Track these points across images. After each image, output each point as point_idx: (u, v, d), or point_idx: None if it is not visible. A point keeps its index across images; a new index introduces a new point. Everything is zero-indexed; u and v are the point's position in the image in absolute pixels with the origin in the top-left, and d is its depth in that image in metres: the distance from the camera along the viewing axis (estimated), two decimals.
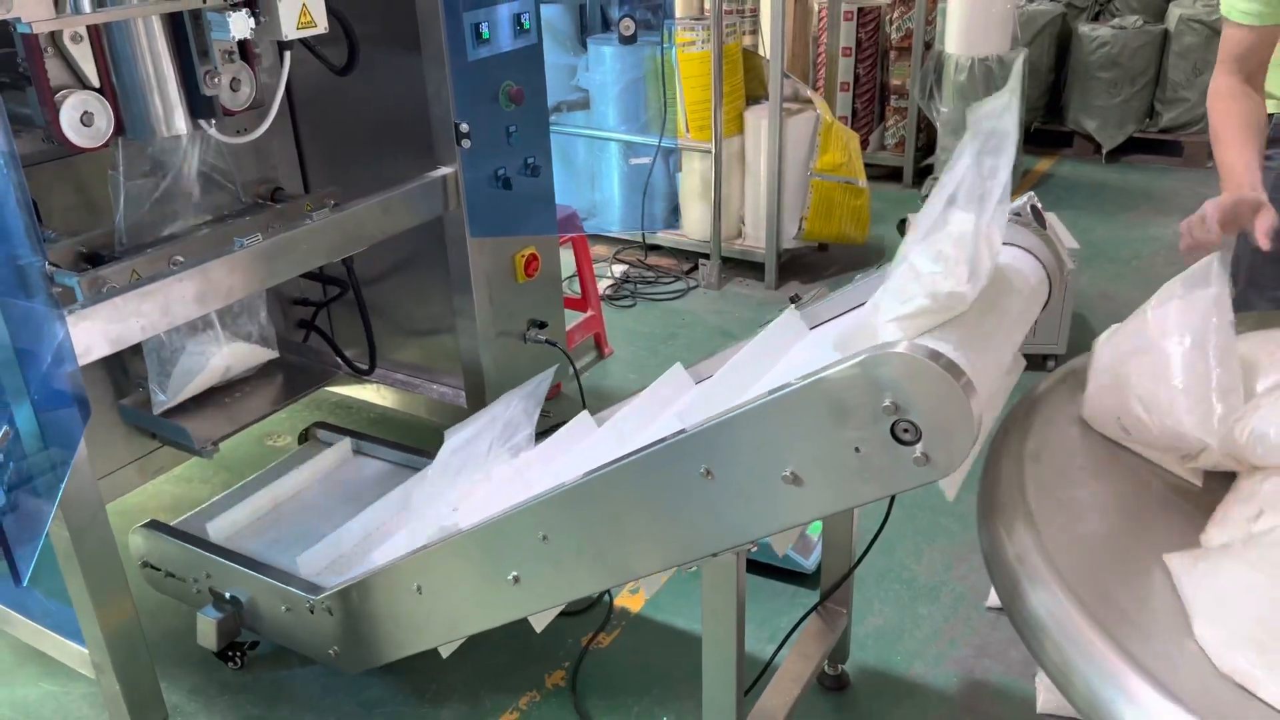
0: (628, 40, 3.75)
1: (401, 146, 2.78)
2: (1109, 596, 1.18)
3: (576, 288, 3.68)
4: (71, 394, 1.69)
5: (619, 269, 4.49)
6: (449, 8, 2.37)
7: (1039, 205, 1.69)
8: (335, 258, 2.33)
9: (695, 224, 4.45)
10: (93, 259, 2.23)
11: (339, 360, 2.96)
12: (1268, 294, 2.08)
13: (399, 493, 2.28)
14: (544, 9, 2.75)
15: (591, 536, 1.61)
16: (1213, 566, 1.17)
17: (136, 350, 2.50)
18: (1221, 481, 1.36)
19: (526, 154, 2.69)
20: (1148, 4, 5.77)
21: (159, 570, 2.37)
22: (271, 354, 2.71)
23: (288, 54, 2.16)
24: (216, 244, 2.16)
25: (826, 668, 2.20)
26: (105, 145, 2.05)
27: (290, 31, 2.07)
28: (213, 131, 2.16)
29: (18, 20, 1.70)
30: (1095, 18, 5.92)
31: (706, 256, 4.36)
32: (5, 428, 1.49)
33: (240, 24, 1.98)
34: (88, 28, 1.94)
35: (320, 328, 3.05)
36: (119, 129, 2.07)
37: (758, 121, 4.18)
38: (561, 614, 2.39)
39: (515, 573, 1.72)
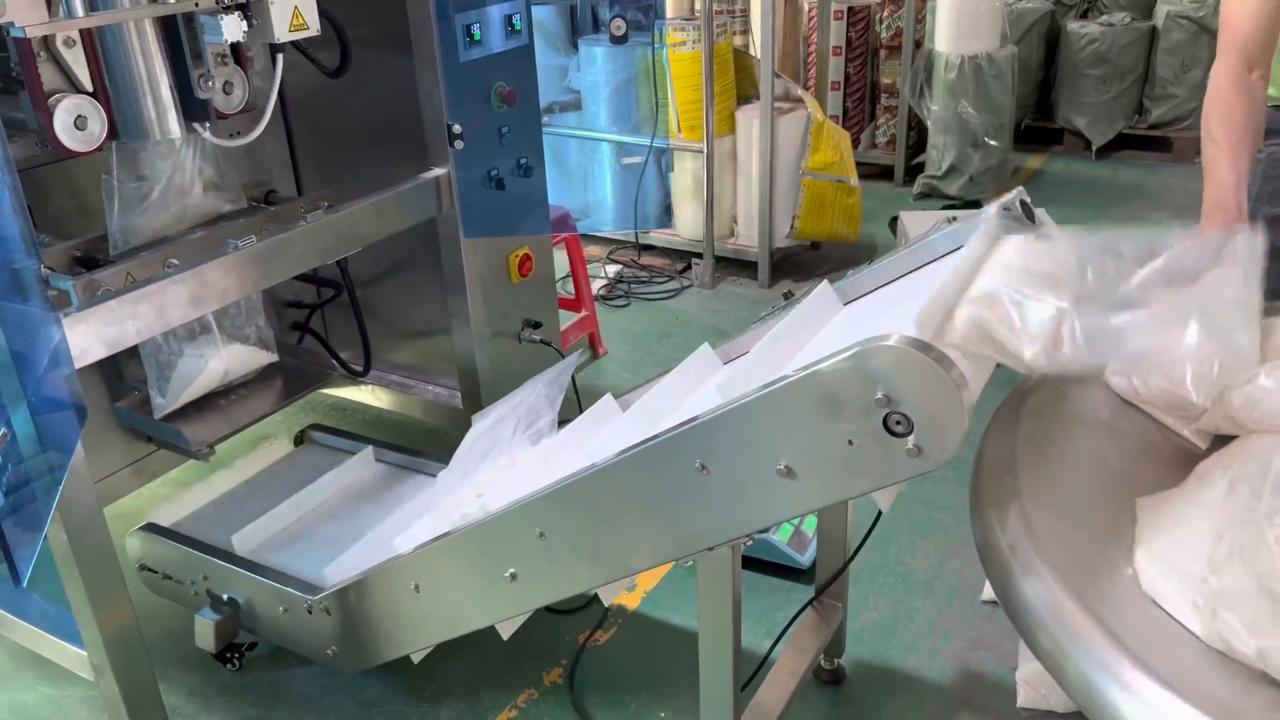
0: (619, 40, 3.77)
1: (394, 148, 2.79)
2: (1101, 584, 1.20)
3: (570, 288, 3.69)
4: (68, 397, 1.69)
5: (612, 269, 4.51)
6: (440, 9, 2.38)
7: (1028, 200, 1.71)
8: (330, 259, 2.33)
9: (688, 223, 4.46)
10: (87, 263, 2.23)
11: (335, 362, 2.97)
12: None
13: (424, 498, 2.26)
14: (535, 10, 2.76)
15: (588, 533, 1.62)
16: (1163, 503, 1.26)
17: (131, 353, 2.50)
18: None
19: (519, 155, 2.70)
20: (1135, 1, 5.80)
21: (156, 573, 2.38)
22: (271, 357, 2.71)
23: (280, 57, 2.17)
24: (211, 246, 2.16)
25: (823, 662, 2.22)
26: (99, 149, 2.06)
27: (283, 34, 2.07)
28: (207, 135, 2.17)
29: (11, 25, 1.70)
30: (1084, 15, 5.94)
31: (699, 256, 4.38)
32: (3, 430, 1.50)
33: (233, 27, 1.99)
34: (80, 31, 1.94)
35: (314, 330, 3.06)
36: (112, 133, 2.08)
37: (749, 121, 4.19)
38: (558, 612, 2.44)
39: (513, 570, 1.73)
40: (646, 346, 3.85)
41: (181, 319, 2.00)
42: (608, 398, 1.91)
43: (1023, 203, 1.69)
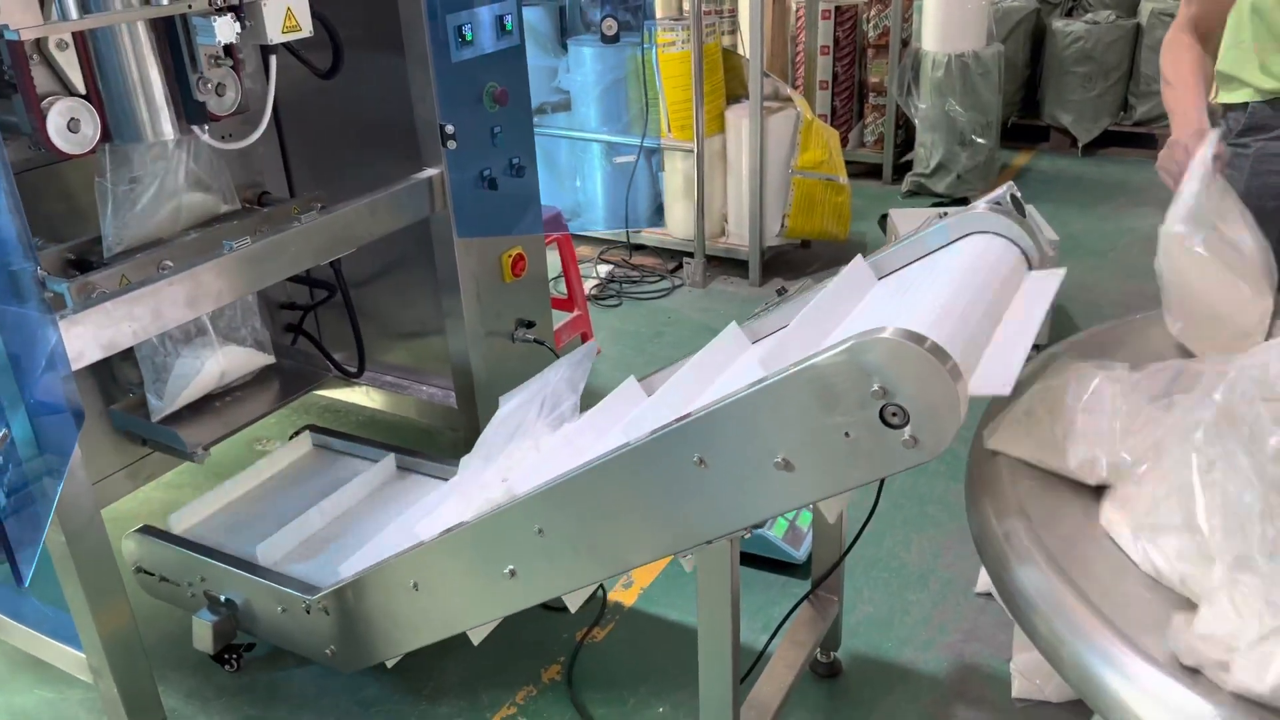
0: (610, 40, 3.78)
1: (385, 148, 2.80)
2: (1096, 570, 1.22)
3: (562, 288, 3.70)
4: (65, 399, 1.69)
5: (604, 269, 4.52)
6: (432, 10, 2.39)
7: (1018, 194, 1.73)
8: (324, 260, 2.34)
9: (679, 223, 4.48)
10: (80, 265, 2.23)
11: (329, 362, 2.97)
12: None
13: (435, 497, 2.24)
14: (524, 11, 2.77)
15: (587, 528, 1.63)
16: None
17: (125, 356, 2.50)
18: None
19: (511, 154, 2.71)
20: None
21: (153, 575, 2.38)
22: (267, 359, 2.71)
23: (274, 58, 2.17)
24: (205, 248, 2.17)
25: (819, 655, 2.23)
26: (92, 151, 2.06)
27: (276, 35, 2.08)
28: (205, 137, 2.18)
29: (5, 27, 1.70)
30: (1068, 13, 5.98)
31: (690, 255, 4.40)
32: (4, 430, 1.50)
33: (226, 29, 2.00)
34: (73, 34, 1.95)
35: (308, 331, 3.06)
36: (105, 135, 2.08)
37: (739, 120, 4.21)
38: (555, 610, 2.44)
39: (511, 567, 1.74)
40: (639, 346, 3.86)
41: (177, 320, 2.01)
42: (631, 380, 1.90)
43: (1013, 197, 1.71)
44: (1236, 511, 1.09)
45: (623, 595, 2.52)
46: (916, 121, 5.22)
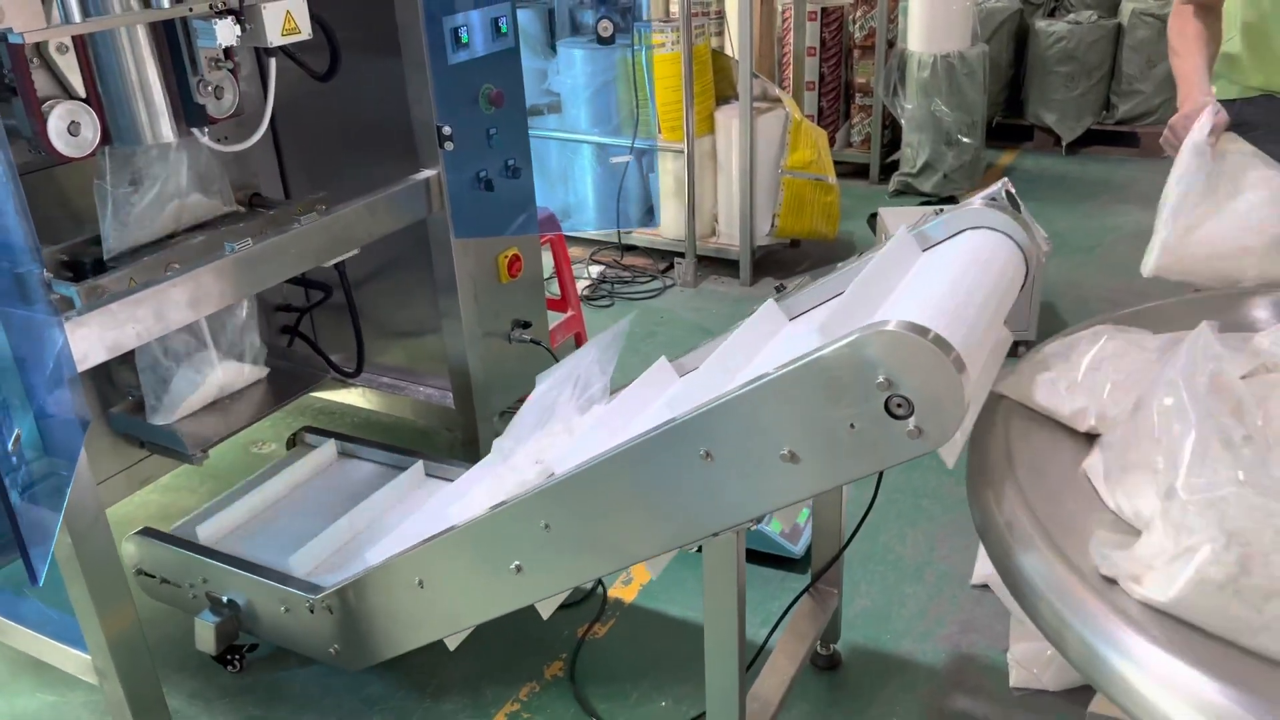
0: (606, 41, 3.81)
1: (380, 150, 2.81)
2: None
3: (555, 289, 3.71)
4: (72, 399, 1.70)
5: (595, 270, 4.54)
6: (429, 12, 2.41)
7: (1013, 190, 1.76)
8: (324, 261, 2.35)
9: (669, 223, 4.51)
10: (73, 266, 2.23)
11: (326, 364, 2.98)
12: None
13: (466, 482, 2.21)
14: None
15: (594, 523, 1.65)
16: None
17: (123, 360, 2.50)
18: None
19: (507, 156, 2.73)
20: None
21: (154, 577, 2.38)
22: (262, 372, 2.72)
23: (273, 61, 2.19)
24: (206, 250, 2.18)
25: (819, 648, 2.26)
26: (92, 154, 2.07)
27: (275, 38, 2.09)
28: (205, 140, 2.18)
29: (9, 31, 1.71)
30: (1051, 13, 6.04)
31: (682, 255, 4.42)
32: (18, 431, 1.51)
33: (226, 31, 2.01)
34: (73, 37, 1.96)
35: (304, 333, 3.07)
36: (105, 138, 2.09)
37: (728, 121, 4.24)
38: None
39: (518, 562, 1.76)
40: (632, 345, 3.88)
41: (180, 322, 2.02)
42: (662, 360, 1.91)
43: (1008, 193, 1.75)
44: (1176, 451, 1.19)
45: (623, 591, 2.55)
46: (903, 121, 5.26)
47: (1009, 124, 6.13)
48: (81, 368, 1.78)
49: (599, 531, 1.65)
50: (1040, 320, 3.55)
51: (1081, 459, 1.44)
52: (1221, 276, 1.87)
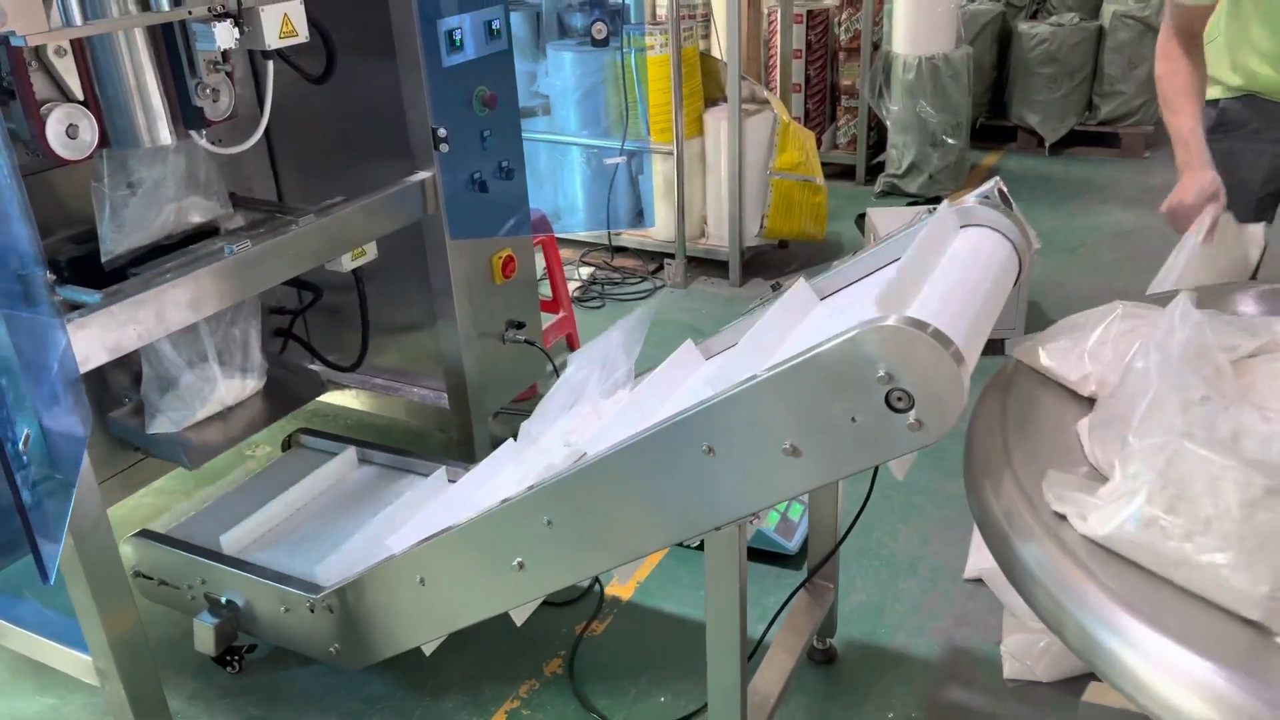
0: (600, 43, 3.83)
1: (372, 152, 2.83)
2: (1094, 543, 1.27)
3: (546, 290, 3.73)
4: (76, 401, 1.71)
5: (585, 271, 4.56)
6: (423, 15, 2.42)
7: (1005, 189, 1.79)
8: (322, 262, 2.37)
9: (659, 225, 4.53)
10: (53, 265, 2.22)
11: (323, 364, 2.99)
12: None
13: (492, 466, 2.19)
14: None
15: (596, 519, 1.66)
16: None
17: (118, 364, 2.50)
18: None
19: (500, 157, 2.75)
20: (1083, 1, 5.97)
21: (151, 579, 2.39)
22: (259, 384, 2.71)
23: (270, 64, 2.20)
24: (205, 252, 2.19)
25: (815, 642, 2.29)
26: (89, 157, 2.08)
27: (274, 41, 2.10)
28: (203, 142, 2.19)
29: (11, 34, 1.72)
30: (1033, 16, 6.11)
31: (671, 256, 4.45)
32: (26, 431, 1.52)
33: (225, 34, 2.02)
34: (71, 40, 1.96)
35: (298, 335, 3.08)
36: (103, 140, 2.10)
37: (717, 123, 4.27)
38: (554, 604, 2.48)
39: (520, 559, 1.77)
40: None
41: (181, 323, 2.03)
42: (688, 344, 1.92)
43: (1000, 192, 1.78)
44: (1138, 406, 1.30)
45: (620, 589, 2.57)
46: (888, 123, 5.31)
47: (993, 125, 6.19)
48: (84, 369, 1.79)
49: (601, 527, 1.67)
50: (1027, 319, 3.59)
51: (1077, 449, 1.47)
52: None
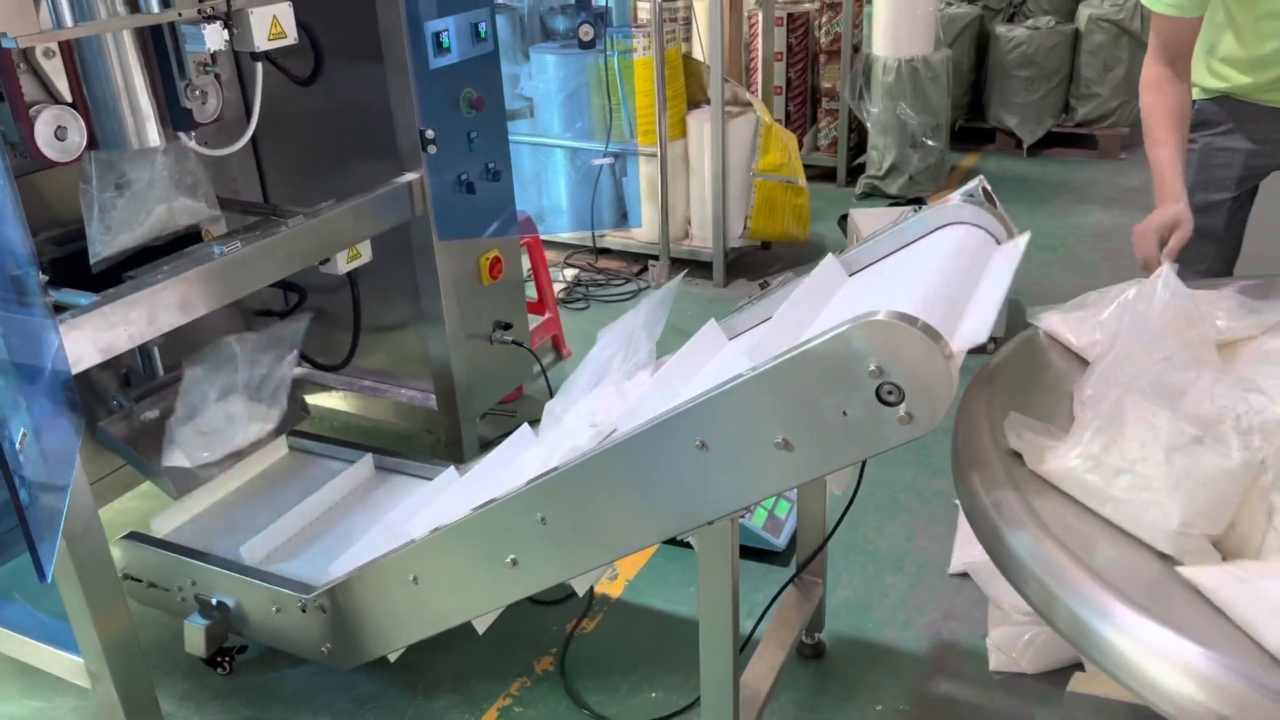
0: (587, 45, 3.86)
1: (358, 154, 2.83)
2: (1082, 530, 1.30)
3: (532, 292, 3.74)
4: (68, 401, 1.71)
5: (570, 273, 4.58)
6: (411, 18, 2.43)
7: (989, 188, 1.83)
8: (311, 263, 2.37)
9: (643, 226, 4.55)
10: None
11: (310, 365, 2.99)
12: (1195, 268, 2.25)
13: (515, 447, 2.17)
14: None
15: (590, 514, 1.68)
16: None
17: (104, 367, 2.49)
18: None
19: (487, 159, 2.76)
20: (1059, 5, 6.05)
21: (140, 582, 2.38)
22: (274, 427, 2.63)
23: (259, 66, 2.21)
24: (195, 253, 2.19)
25: (804, 637, 2.31)
26: (77, 159, 2.07)
27: (262, 43, 2.11)
28: (192, 144, 2.20)
29: (3, 35, 1.72)
30: (1010, 19, 6.18)
31: (656, 258, 4.47)
32: (23, 430, 1.52)
33: (215, 36, 2.02)
34: (60, 42, 1.96)
35: None
36: (91, 142, 2.10)
37: (700, 125, 4.30)
38: (544, 603, 2.49)
39: (513, 556, 1.79)
40: None
41: (171, 324, 2.03)
42: (711, 323, 1.92)
43: (985, 190, 1.81)
44: (1106, 360, 1.45)
45: (609, 587, 2.58)
46: (869, 125, 5.35)
47: (971, 127, 6.26)
48: (76, 370, 1.79)
49: (595, 523, 1.69)
50: (1009, 317, 3.63)
51: (1064, 430, 1.52)
52: None
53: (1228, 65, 2.22)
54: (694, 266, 4.53)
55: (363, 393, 3.18)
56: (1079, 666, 2.14)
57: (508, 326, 2.97)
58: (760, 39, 5.55)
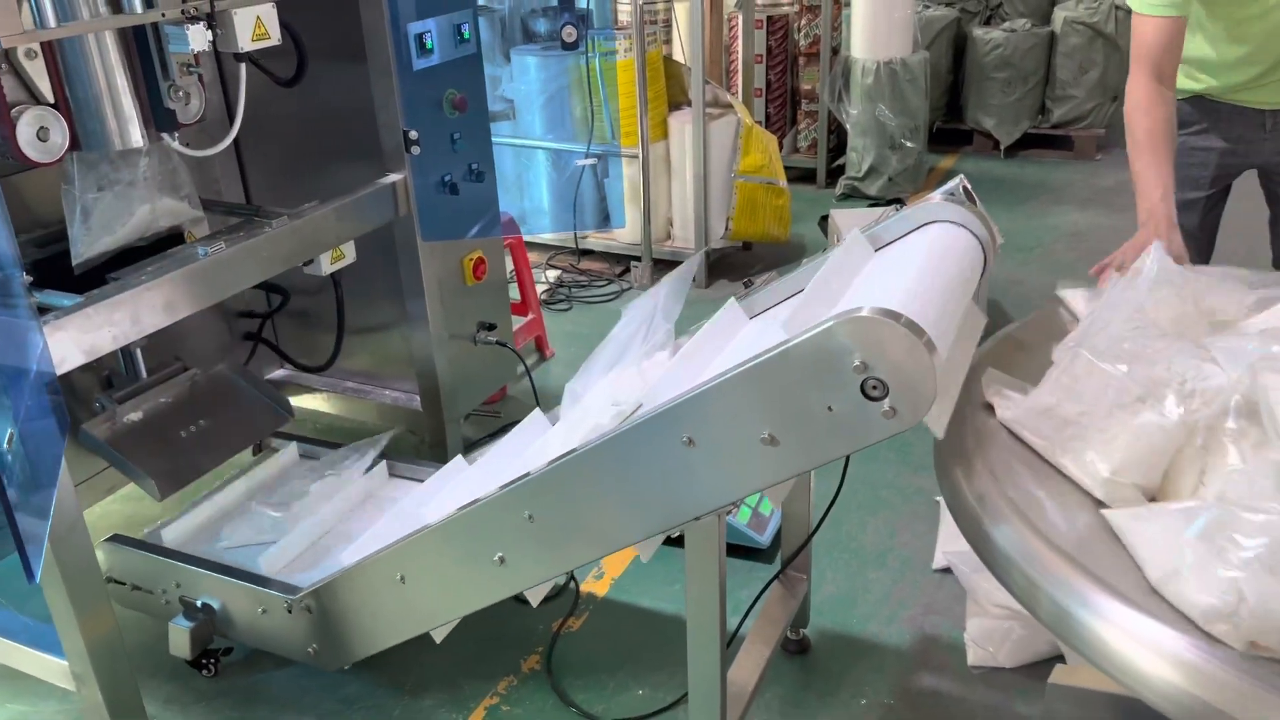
0: (570, 46, 3.87)
1: (340, 155, 2.83)
2: (1062, 520, 1.33)
3: (514, 293, 3.75)
4: (53, 403, 1.71)
5: (552, 274, 4.58)
6: (394, 19, 2.44)
7: (969, 186, 1.85)
8: (295, 264, 2.37)
9: (626, 227, 4.57)
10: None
11: (293, 366, 2.99)
12: None
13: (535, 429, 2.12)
14: None
15: (577, 512, 1.69)
16: None
17: (86, 369, 2.48)
18: None
19: (470, 160, 2.77)
20: (1034, 7, 6.11)
21: (124, 585, 2.37)
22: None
23: (243, 66, 2.20)
24: (179, 254, 2.19)
25: (789, 633, 2.33)
26: (59, 160, 2.07)
27: (246, 44, 2.11)
28: (175, 145, 2.19)
29: None
30: (987, 21, 6.24)
31: (638, 259, 4.49)
32: (10, 431, 1.52)
33: (198, 37, 2.02)
34: (42, 43, 1.96)
35: (267, 339, 3.07)
36: (73, 143, 2.09)
37: (681, 127, 4.32)
38: (529, 602, 2.49)
39: (501, 554, 1.80)
40: (591, 347, 3.82)
41: (155, 325, 2.03)
42: (732, 301, 1.91)
43: (965, 189, 1.84)
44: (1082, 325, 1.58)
45: (595, 586, 2.59)
46: (848, 127, 5.39)
47: (949, 129, 6.32)
48: (60, 371, 1.78)
49: (583, 520, 1.70)
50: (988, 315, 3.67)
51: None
52: None
53: (1199, 68, 2.26)
54: (676, 267, 4.54)
55: (346, 394, 3.18)
56: (1056, 660, 2.17)
57: (492, 327, 2.97)
58: (740, 41, 5.57)
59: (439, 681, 2.31)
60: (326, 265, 2.50)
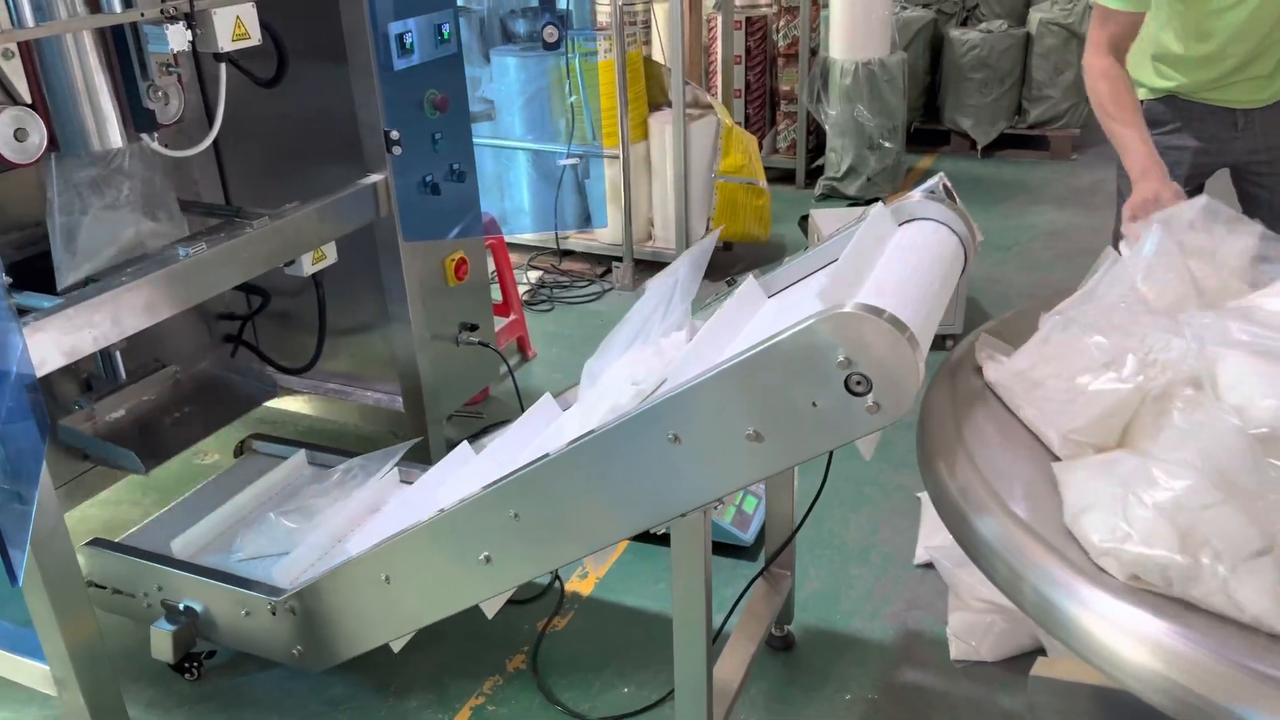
0: (551, 47, 3.87)
1: (320, 156, 2.82)
2: (1044, 512, 1.34)
3: (496, 294, 3.74)
4: (32, 404, 1.69)
5: (534, 275, 4.58)
6: (374, 19, 2.43)
7: (950, 185, 1.87)
8: (276, 265, 2.36)
9: (607, 228, 4.57)
10: None
11: (274, 368, 2.97)
12: None
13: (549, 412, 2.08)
14: None
15: (563, 510, 1.69)
16: None
17: (65, 371, 2.47)
18: None
19: (452, 160, 2.77)
20: (1010, 9, 6.17)
21: (105, 588, 2.35)
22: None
23: (224, 66, 2.20)
24: (160, 255, 2.17)
25: (774, 629, 2.34)
26: (37, 161, 2.05)
27: (226, 44, 2.11)
28: (155, 145, 2.18)
29: None
30: (964, 23, 6.29)
31: (619, 259, 4.49)
32: None
33: (178, 37, 2.01)
34: (19, 43, 1.94)
35: (248, 340, 3.06)
36: (52, 144, 2.07)
37: (662, 127, 4.33)
38: (514, 602, 2.49)
39: (486, 553, 1.79)
40: (573, 347, 3.93)
41: (136, 327, 2.02)
42: (750, 279, 1.91)
43: (945, 187, 1.85)
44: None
45: (580, 585, 2.59)
46: (827, 127, 5.42)
47: (927, 129, 6.35)
48: (40, 372, 1.77)
49: (569, 518, 1.70)
50: (966, 314, 3.71)
51: (1019, 426, 1.56)
52: None
53: (1170, 65, 2.29)
54: (658, 268, 4.52)
55: (328, 396, 3.17)
56: (1038, 653, 2.19)
57: (474, 328, 2.97)
58: (719, 42, 5.60)
59: (424, 682, 2.31)
60: (308, 266, 2.50)
